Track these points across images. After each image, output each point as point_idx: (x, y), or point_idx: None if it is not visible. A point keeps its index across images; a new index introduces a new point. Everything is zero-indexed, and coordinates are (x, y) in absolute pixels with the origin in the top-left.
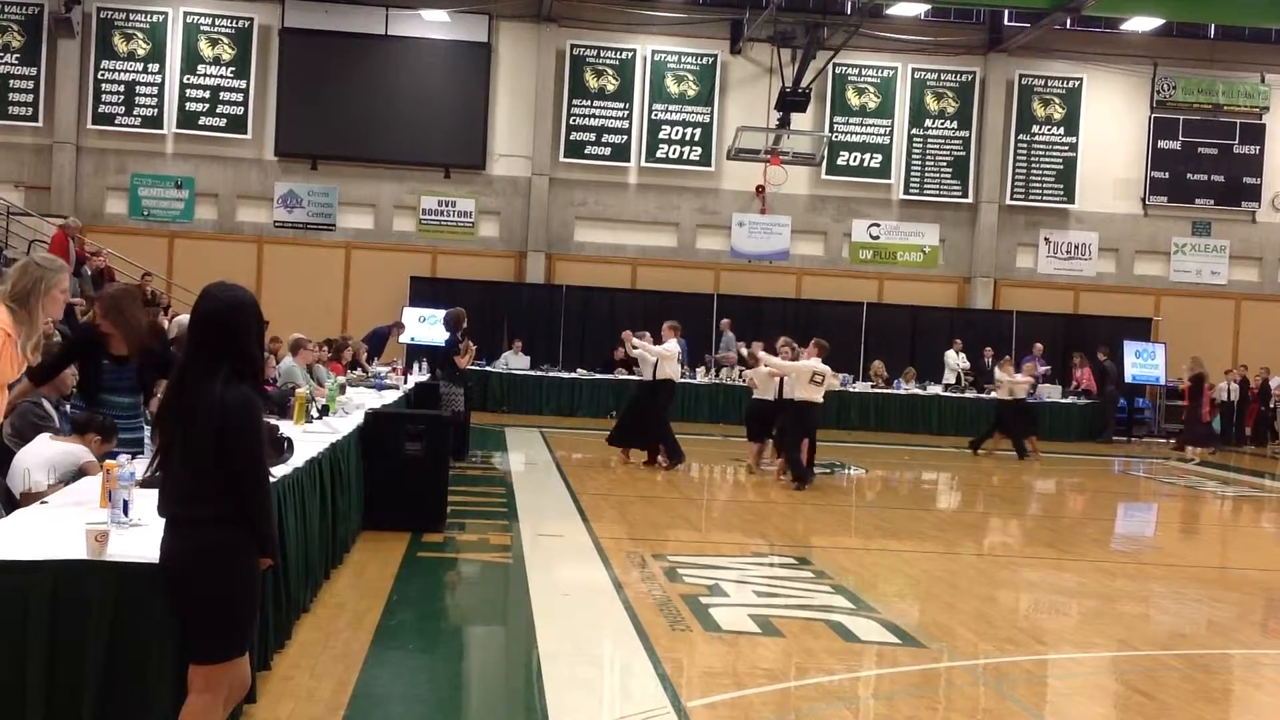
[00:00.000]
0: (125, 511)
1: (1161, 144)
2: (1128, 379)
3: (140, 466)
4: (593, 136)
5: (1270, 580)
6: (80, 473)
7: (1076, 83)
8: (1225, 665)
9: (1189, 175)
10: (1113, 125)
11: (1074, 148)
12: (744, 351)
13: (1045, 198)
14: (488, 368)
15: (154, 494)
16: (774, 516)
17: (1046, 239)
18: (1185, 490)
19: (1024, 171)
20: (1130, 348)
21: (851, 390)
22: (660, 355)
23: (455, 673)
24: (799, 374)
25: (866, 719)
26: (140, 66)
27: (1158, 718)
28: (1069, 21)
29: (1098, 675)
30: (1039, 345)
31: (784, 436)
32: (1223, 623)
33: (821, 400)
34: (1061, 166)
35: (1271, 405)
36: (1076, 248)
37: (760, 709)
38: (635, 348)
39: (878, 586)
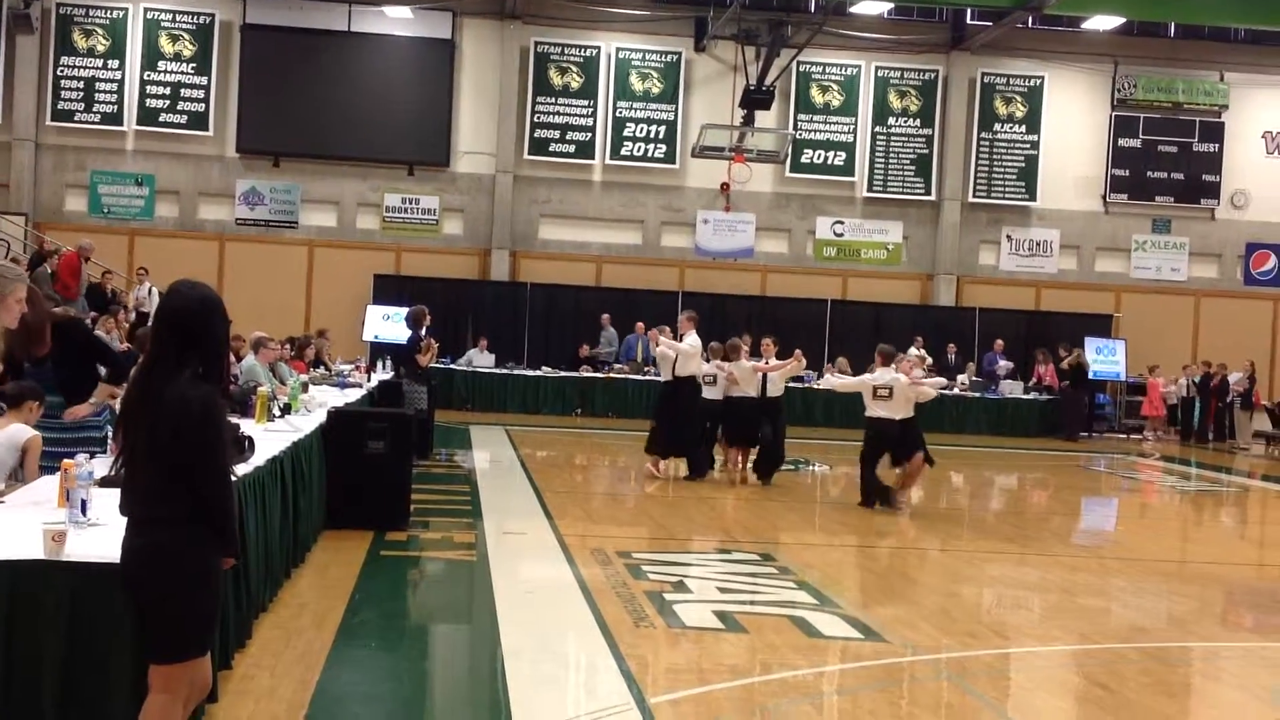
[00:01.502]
0: (83, 511)
1: (1122, 142)
2: (1089, 375)
3: (99, 465)
4: (557, 134)
5: (1229, 574)
6: (22, 453)
7: (1038, 81)
8: (1184, 658)
9: (1149, 173)
10: (1074, 123)
11: (1035, 146)
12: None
13: (1007, 195)
14: (452, 365)
15: (112, 493)
16: (738, 513)
17: (1009, 236)
18: (1145, 485)
19: (986, 169)
20: (1091, 344)
21: (816, 388)
22: (681, 352)
23: (418, 671)
24: (864, 389)
25: (830, 714)
26: (100, 63)
27: (1118, 710)
28: (1030, 20)
29: (1059, 669)
30: (1000, 341)
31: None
32: (1182, 616)
33: (898, 416)
34: (1023, 164)
35: (1229, 401)
36: (1038, 245)
37: (724, 705)
38: (659, 345)
39: (841, 582)
